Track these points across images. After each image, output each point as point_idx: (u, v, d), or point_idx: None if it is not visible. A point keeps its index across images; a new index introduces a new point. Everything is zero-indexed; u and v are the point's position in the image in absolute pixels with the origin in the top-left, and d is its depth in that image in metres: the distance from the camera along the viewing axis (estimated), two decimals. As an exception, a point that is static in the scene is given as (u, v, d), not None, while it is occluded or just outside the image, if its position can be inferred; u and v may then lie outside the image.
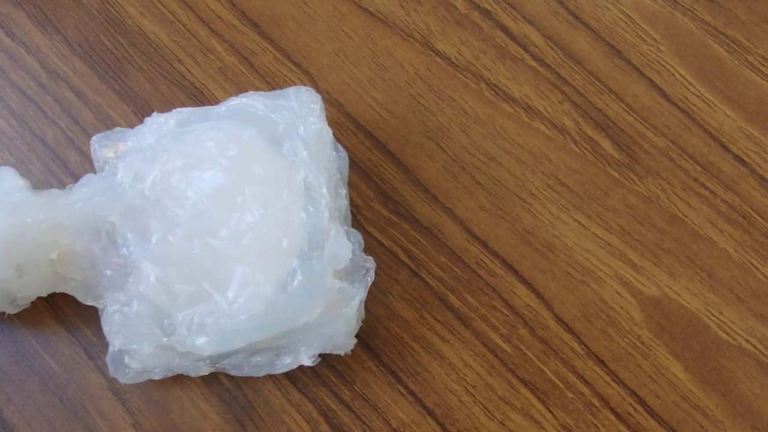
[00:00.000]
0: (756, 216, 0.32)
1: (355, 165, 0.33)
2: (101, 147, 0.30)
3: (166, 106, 0.33)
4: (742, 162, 0.33)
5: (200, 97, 0.34)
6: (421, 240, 0.32)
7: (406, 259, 0.31)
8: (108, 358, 0.28)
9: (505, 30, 0.35)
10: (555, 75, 0.34)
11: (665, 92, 0.34)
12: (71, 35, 0.35)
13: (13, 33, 0.35)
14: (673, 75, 0.34)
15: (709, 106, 0.34)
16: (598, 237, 0.32)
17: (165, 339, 0.27)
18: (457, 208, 0.32)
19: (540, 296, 0.31)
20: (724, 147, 0.33)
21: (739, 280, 0.31)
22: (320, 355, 0.28)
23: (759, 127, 0.33)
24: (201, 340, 0.26)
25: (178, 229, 0.27)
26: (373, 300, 0.30)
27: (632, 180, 0.33)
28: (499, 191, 0.32)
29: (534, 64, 0.34)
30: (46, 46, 0.34)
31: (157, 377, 0.28)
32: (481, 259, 0.31)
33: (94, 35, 0.35)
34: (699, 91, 0.34)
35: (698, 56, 0.35)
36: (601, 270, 0.31)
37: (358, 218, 0.32)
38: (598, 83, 0.34)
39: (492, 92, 0.34)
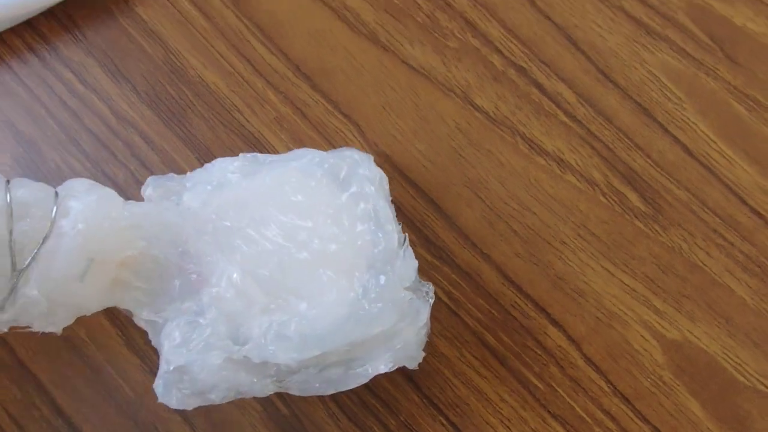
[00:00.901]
0: (771, 265, 0.34)
1: (400, 211, 0.34)
2: (156, 188, 0.30)
3: (227, 153, 0.35)
4: (759, 215, 0.34)
5: (258, 145, 0.36)
6: (461, 283, 0.34)
7: (446, 300, 0.34)
8: (158, 381, 0.26)
9: (540, 87, 0.37)
10: (586, 131, 0.36)
11: (688, 148, 0.35)
12: (139, 84, 0.37)
13: (86, 80, 0.37)
14: (696, 132, 0.36)
15: (729, 161, 0.35)
16: (624, 284, 0.34)
17: (237, 348, 0.26)
18: (493, 254, 0.34)
19: (570, 338, 0.33)
20: (742, 200, 0.35)
21: (755, 325, 0.33)
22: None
23: (775, 181, 0.35)
24: (280, 346, 0.26)
25: (257, 242, 0.27)
26: (417, 338, 0.33)
27: (656, 231, 0.35)
28: (532, 239, 0.34)
29: (566, 119, 0.36)
30: (116, 93, 0.36)
31: (216, 400, 0.27)
32: (516, 302, 0.34)
33: (160, 85, 0.37)
34: (720, 148, 0.35)
35: (720, 114, 0.36)
36: (626, 314, 0.33)
37: (404, 263, 0.34)
38: (626, 139, 0.36)
39: (527, 146, 0.36)
